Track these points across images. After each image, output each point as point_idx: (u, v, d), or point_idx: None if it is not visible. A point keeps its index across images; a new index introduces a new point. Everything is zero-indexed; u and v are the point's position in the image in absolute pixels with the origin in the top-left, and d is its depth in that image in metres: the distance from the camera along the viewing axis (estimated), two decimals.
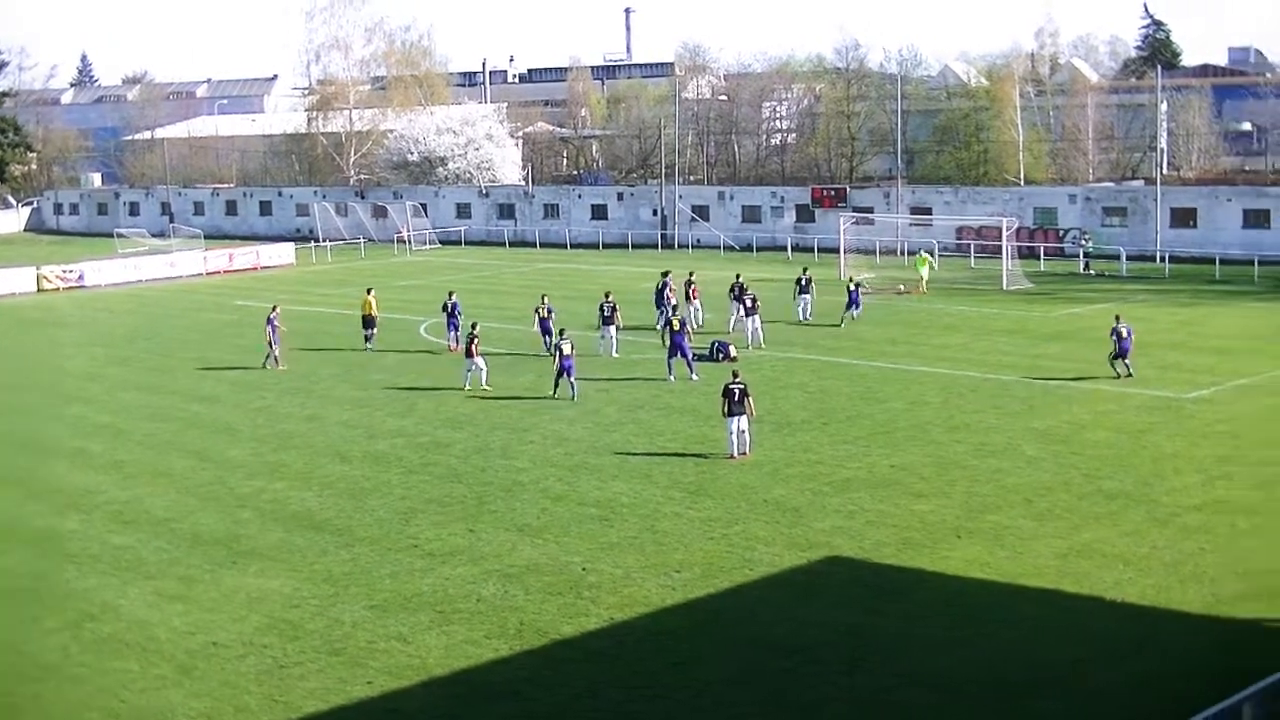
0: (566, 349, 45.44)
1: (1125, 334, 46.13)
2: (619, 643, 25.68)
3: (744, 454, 37.40)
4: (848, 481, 34.36)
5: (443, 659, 25.19)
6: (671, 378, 46.16)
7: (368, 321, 58.10)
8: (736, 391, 37.32)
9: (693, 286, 60.00)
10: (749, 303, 54.91)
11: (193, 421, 46.03)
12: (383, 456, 39.82)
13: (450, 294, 59.16)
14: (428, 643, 25.94)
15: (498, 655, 25.33)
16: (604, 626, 26.29)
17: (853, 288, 60.22)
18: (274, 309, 55.81)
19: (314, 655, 25.63)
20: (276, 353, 53.64)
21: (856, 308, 59.46)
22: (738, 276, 59.99)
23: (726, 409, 37.52)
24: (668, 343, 48.32)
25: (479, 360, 47.92)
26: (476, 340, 48.03)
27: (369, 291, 59.83)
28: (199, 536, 33.34)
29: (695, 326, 55.37)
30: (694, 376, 46.73)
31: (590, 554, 30.28)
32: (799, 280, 61.15)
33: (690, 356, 47.37)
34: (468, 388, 47.79)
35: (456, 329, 56.83)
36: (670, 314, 48.91)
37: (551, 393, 46.01)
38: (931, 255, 73.40)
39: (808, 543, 30.68)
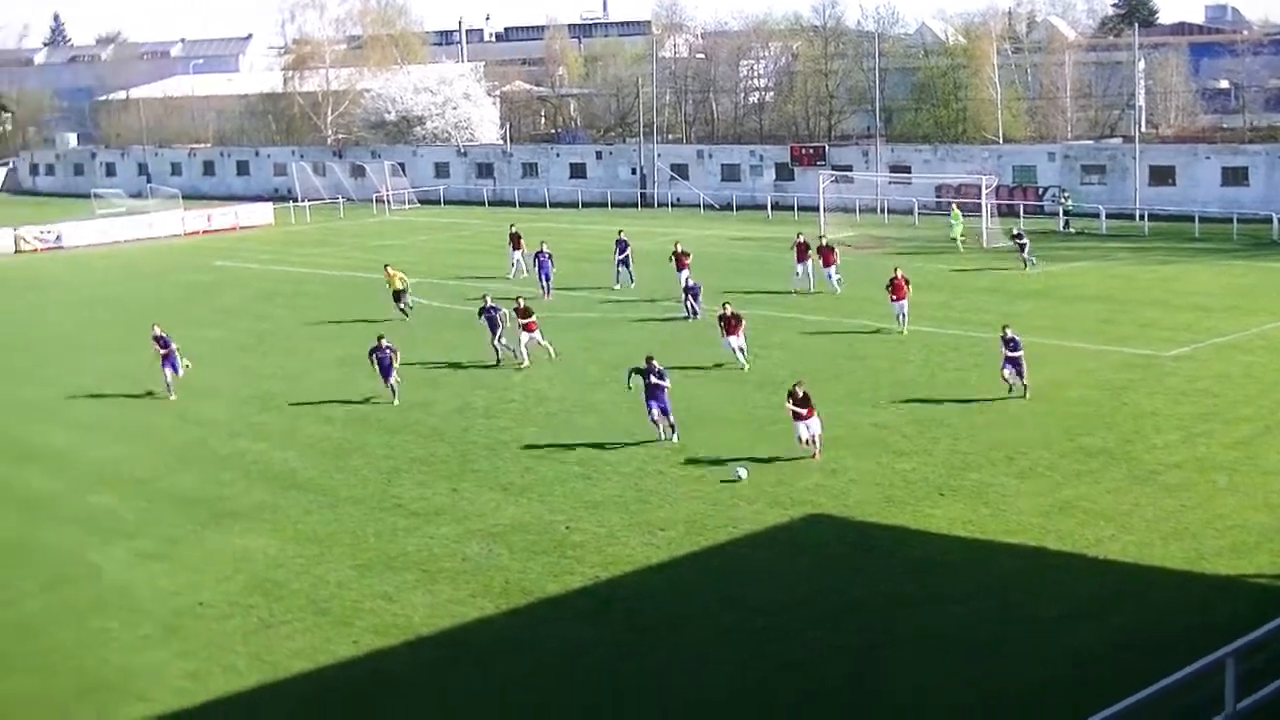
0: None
1: (1014, 344, 38.56)
2: (604, 601, 25.76)
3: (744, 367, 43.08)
4: (830, 440, 34.41)
5: (428, 618, 25.23)
6: (661, 436, 35.64)
7: (398, 295, 55.20)
8: (729, 315, 43.09)
9: (683, 256, 56.82)
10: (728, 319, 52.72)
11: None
12: (365, 417, 39.78)
13: (543, 243, 60.13)
14: (413, 602, 25.97)
15: (483, 614, 25.38)
16: (588, 585, 26.35)
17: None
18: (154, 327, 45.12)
19: (300, 615, 25.65)
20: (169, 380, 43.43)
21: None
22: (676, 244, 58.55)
23: (724, 330, 43.16)
24: (643, 393, 35.90)
25: (537, 334, 45.60)
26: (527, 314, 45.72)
27: (386, 267, 57.93)
28: (181, 496, 33.31)
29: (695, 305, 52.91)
30: (674, 438, 35.69)
31: (574, 513, 30.32)
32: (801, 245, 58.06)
33: (669, 410, 35.67)
34: (527, 363, 45.37)
35: (549, 278, 58.49)
36: (645, 363, 35.69)
37: (506, 359, 45.68)
38: (958, 212, 72.55)
39: (790, 501, 30.75)
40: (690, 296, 51.99)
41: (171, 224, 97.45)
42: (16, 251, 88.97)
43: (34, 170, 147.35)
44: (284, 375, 45.77)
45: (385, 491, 32.84)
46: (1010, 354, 38.47)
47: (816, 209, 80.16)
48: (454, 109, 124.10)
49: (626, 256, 60.32)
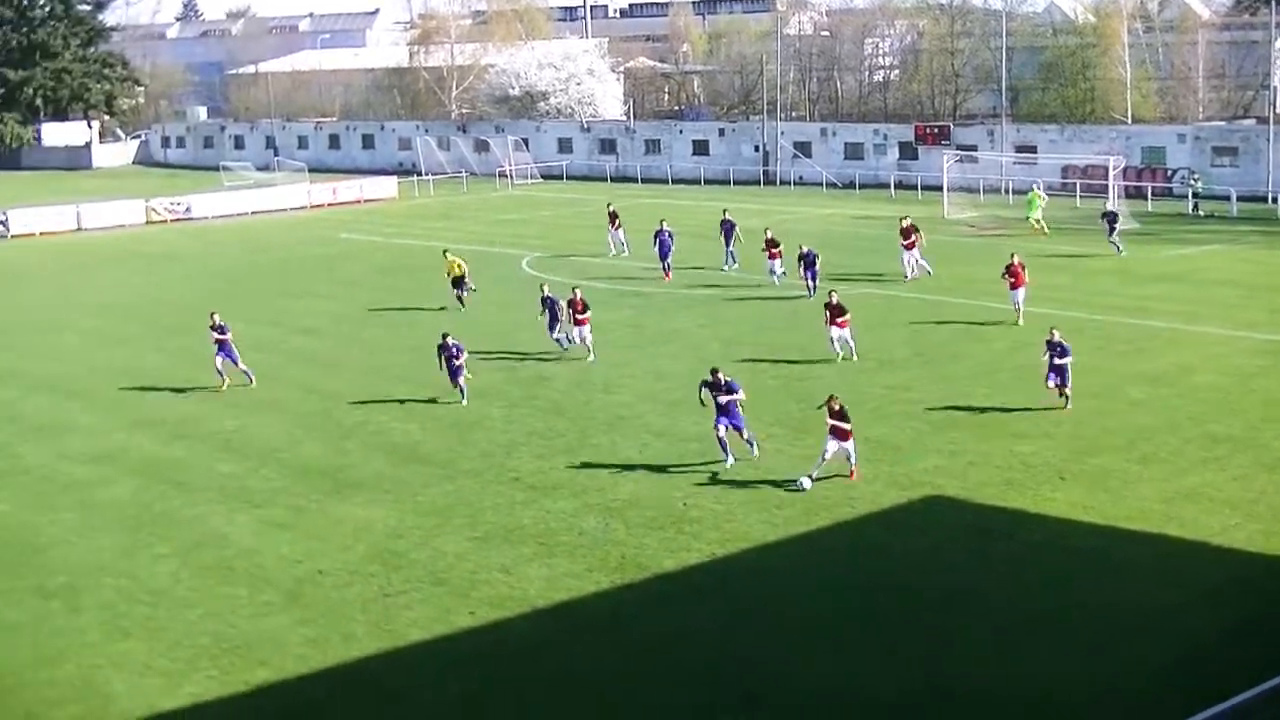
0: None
1: (1062, 350, 35.49)
2: (720, 578, 25.81)
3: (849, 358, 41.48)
4: (950, 421, 34.20)
5: (544, 590, 25.43)
6: (729, 459, 31.97)
7: (457, 282, 53.46)
8: (834, 305, 41.04)
9: (773, 247, 54.44)
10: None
11: (297, 353, 46.61)
12: (485, 390, 40.06)
13: (661, 221, 59.43)
14: (530, 574, 26.19)
15: (599, 588, 25.54)
16: (705, 561, 26.40)
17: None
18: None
19: (418, 585, 25.97)
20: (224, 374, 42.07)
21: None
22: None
23: (829, 319, 41.25)
24: (712, 408, 32.57)
25: (586, 330, 43.51)
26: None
27: (445, 252, 55.88)
28: (305, 466, 33.82)
29: (778, 282, 53.58)
30: (753, 452, 32.51)
31: (691, 489, 30.37)
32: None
33: (743, 426, 32.32)
34: (592, 357, 43.55)
35: (668, 257, 57.66)
36: (710, 375, 32.46)
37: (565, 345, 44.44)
38: (1041, 191, 71.64)
39: (909, 481, 30.61)
40: (806, 269, 51.15)
41: (297, 197, 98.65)
42: (148, 222, 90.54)
43: (165, 143, 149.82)
44: (404, 348, 46.20)
45: (504, 465, 33.10)
46: (1058, 360, 35.24)
47: (940, 189, 79.52)
48: (578, 85, 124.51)
49: (732, 238, 59.58)
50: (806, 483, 30.04)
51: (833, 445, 30.40)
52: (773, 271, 53.77)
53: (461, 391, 38.75)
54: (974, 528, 28.08)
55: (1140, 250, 61.67)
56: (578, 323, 43.25)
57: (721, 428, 31.90)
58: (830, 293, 42.62)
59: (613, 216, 65.60)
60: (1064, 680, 21.25)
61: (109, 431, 37.90)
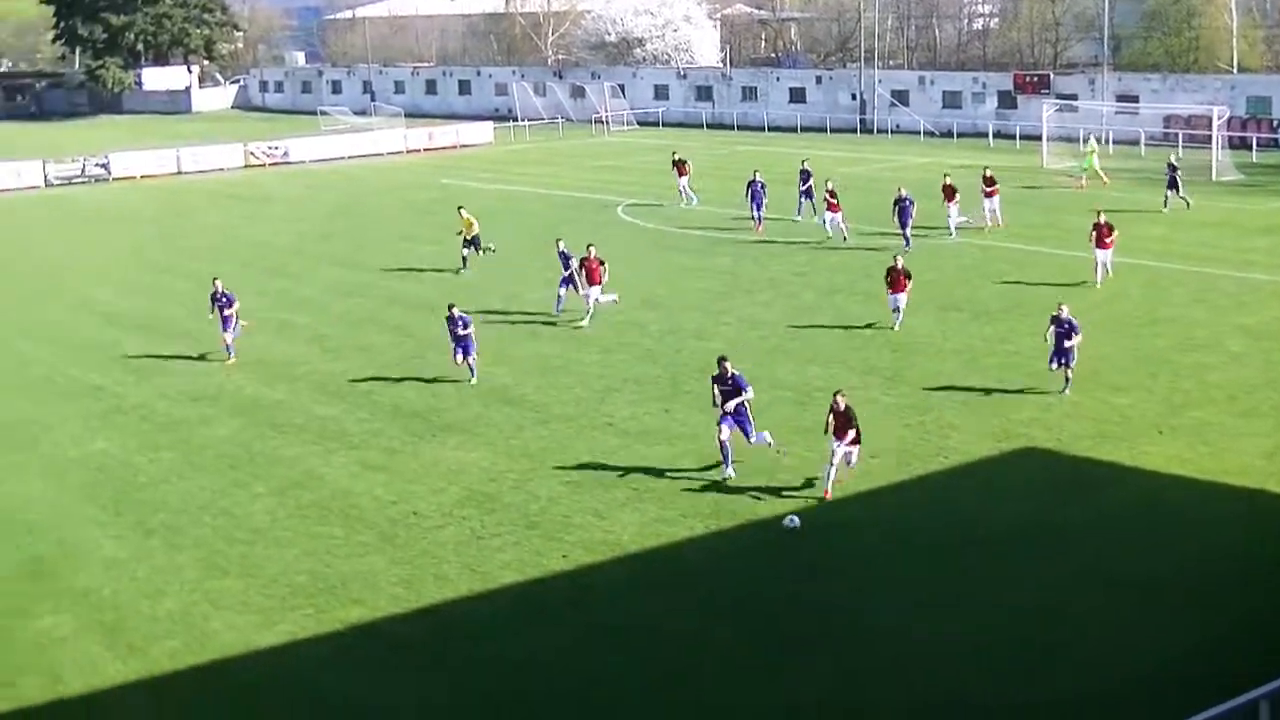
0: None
1: (1069, 328, 32.66)
2: (811, 526, 25.75)
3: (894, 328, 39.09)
4: (1044, 373, 33.90)
5: (637, 536, 25.54)
6: (728, 469, 28.18)
7: (471, 242, 50.75)
8: (897, 269, 38.82)
9: (833, 199, 53.29)
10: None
11: (392, 297, 46.95)
12: (576, 335, 40.20)
13: (755, 171, 58.66)
14: (622, 519, 26.30)
15: (691, 534, 25.60)
16: (795, 510, 26.34)
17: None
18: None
19: (510, 528, 26.16)
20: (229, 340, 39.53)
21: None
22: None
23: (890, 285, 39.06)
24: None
25: (597, 290, 41.72)
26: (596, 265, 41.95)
27: (460, 209, 52.35)
28: (399, 409, 34.12)
29: (842, 238, 52.97)
30: (783, 454, 29.07)
31: (785, 437, 30.22)
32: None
33: (751, 430, 28.38)
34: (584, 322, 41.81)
35: (761, 208, 56.91)
36: (718, 365, 28.58)
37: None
38: (1094, 143, 70.33)
39: (1003, 433, 30.40)
40: (900, 215, 50.66)
41: (394, 142, 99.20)
42: (246, 166, 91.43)
43: (263, 87, 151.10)
44: (500, 293, 46.41)
45: (597, 410, 33.23)
46: (1066, 342, 32.50)
47: (1039, 138, 78.58)
48: (674, 31, 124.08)
49: (809, 188, 58.75)
50: (796, 521, 25.51)
51: (837, 449, 26.96)
52: (824, 223, 53.45)
53: (471, 369, 35.93)
54: (1068, 481, 27.85)
55: (1244, 202, 60.70)
56: (591, 281, 41.58)
57: (725, 430, 28.09)
58: (895, 256, 41.13)
59: (678, 165, 65.21)
60: (1157, 633, 21.07)
61: (210, 372, 38.39)
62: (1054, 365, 32.84)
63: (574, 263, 42.59)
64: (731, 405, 28.11)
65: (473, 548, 25.36)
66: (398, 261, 53.60)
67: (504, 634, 22.07)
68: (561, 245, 43.42)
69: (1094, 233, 44.15)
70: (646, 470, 28.83)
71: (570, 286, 42.78)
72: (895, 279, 38.97)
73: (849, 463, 27.37)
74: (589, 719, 19.47)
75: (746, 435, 28.26)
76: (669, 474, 28.56)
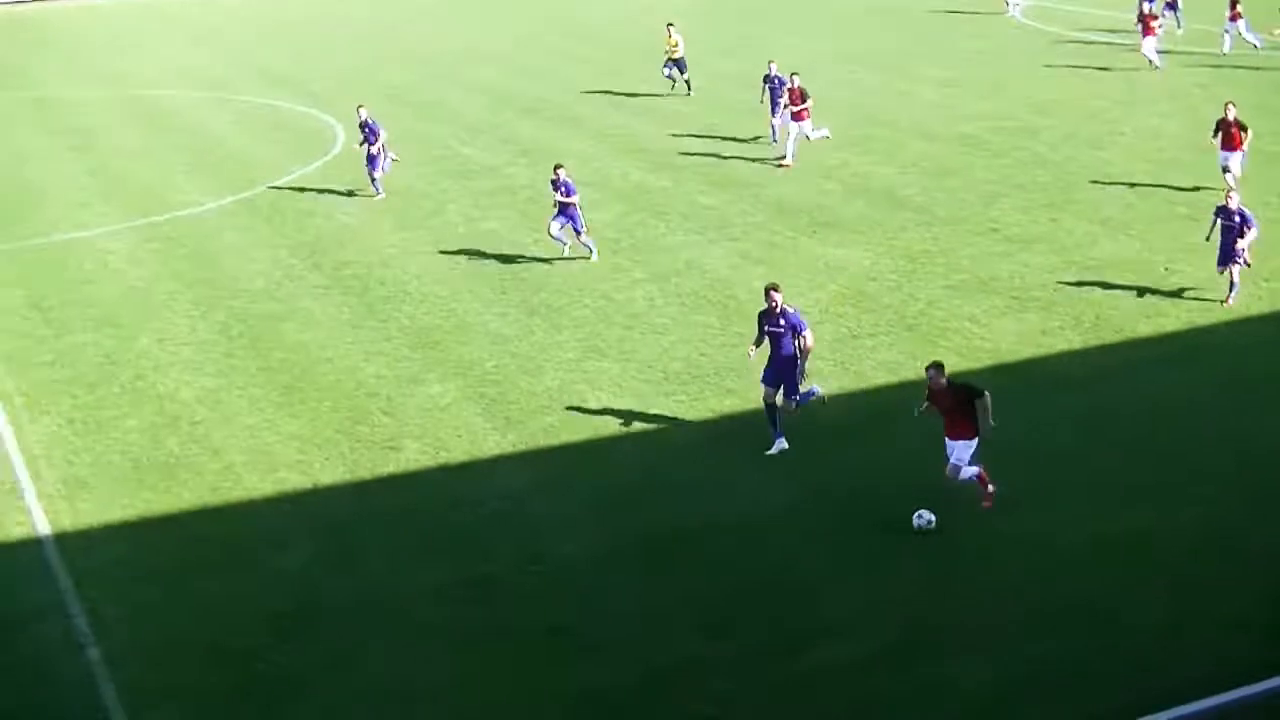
0: None
1: (1242, 220, 26.02)
2: (1191, 349, 24.70)
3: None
4: None
5: (1014, 345, 25.08)
6: (778, 440, 21.61)
7: (675, 62, 46.60)
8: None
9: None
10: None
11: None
12: (969, 138, 39.31)
13: None
14: (1001, 327, 25.84)
15: (1070, 347, 24.99)
16: (1180, 330, 25.35)
17: None
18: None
19: (887, 329, 26.02)
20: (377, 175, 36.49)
21: None
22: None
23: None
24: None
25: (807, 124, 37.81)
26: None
27: (669, 26, 46.99)
28: (782, 203, 34.11)
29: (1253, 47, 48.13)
30: (817, 394, 22.35)
31: (1174, 254, 29.03)
32: None
33: (796, 390, 21.74)
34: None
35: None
36: (765, 297, 22.23)
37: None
38: None
39: None
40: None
41: None
42: None
43: None
44: (889, 92, 45.67)
45: (983, 214, 32.53)
46: (1239, 240, 25.94)
47: None
48: None
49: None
50: (931, 517, 19.05)
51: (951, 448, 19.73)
52: (1226, 33, 49.05)
53: (589, 248, 30.96)
54: None
55: None
56: (795, 116, 37.62)
57: (769, 390, 21.77)
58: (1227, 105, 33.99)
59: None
60: None
61: (599, 157, 39.07)
62: (1221, 270, 26.53)
63: (782, 91, 38.45)
64: (784, 352, 21.54)
65: (848, 346, 25.35)
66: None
67: (873, 433, 22.06)
68: (773, 68, 39.58)
69: (1219, 131, 32.79)
70: (1029, 279, 28.14)
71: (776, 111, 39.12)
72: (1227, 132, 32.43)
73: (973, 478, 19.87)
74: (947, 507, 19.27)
75: (789, 395, 21.68)
76: (1052, 284, 27.82)
